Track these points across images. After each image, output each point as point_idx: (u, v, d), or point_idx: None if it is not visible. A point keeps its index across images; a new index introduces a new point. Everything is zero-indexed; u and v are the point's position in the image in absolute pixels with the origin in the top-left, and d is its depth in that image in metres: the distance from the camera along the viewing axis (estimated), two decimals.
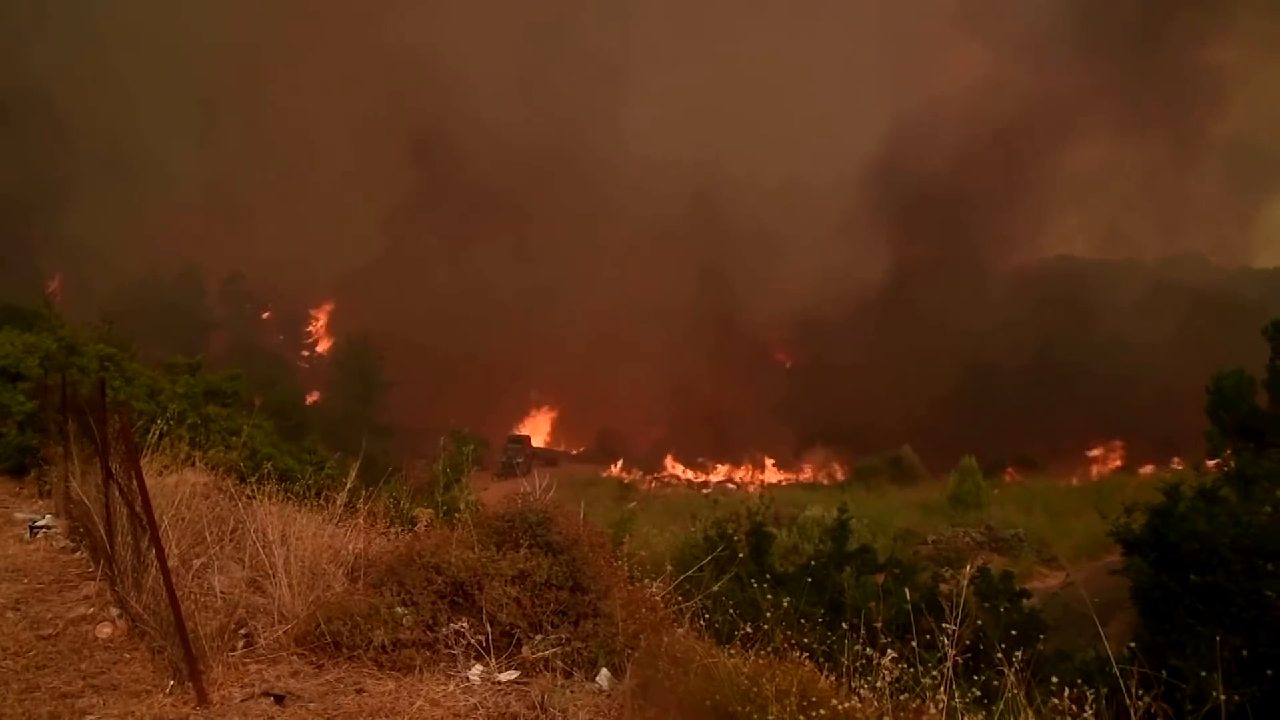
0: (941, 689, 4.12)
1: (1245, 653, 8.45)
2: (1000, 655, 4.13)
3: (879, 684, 4.25)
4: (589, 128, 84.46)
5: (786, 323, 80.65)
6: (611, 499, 37.51)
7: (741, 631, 5.16)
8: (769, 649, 4.89)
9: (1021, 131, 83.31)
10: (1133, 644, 6.10)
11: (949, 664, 4.16)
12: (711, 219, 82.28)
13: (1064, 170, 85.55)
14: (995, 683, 4.13)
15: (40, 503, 11.44)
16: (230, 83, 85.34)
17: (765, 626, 5.06)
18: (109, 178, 79.21)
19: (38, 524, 9.94)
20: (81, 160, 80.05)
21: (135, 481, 5.66)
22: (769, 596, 5.28)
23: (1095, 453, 62.52)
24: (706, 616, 5.87)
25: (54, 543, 9.29)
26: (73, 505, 9.58)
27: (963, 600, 5.07)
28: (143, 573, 6.22)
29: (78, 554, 8.72)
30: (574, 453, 73.29)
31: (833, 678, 4.64)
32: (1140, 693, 3.93)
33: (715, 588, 6.40)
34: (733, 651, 4.85)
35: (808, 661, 4.81)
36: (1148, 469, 49.67)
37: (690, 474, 67.49)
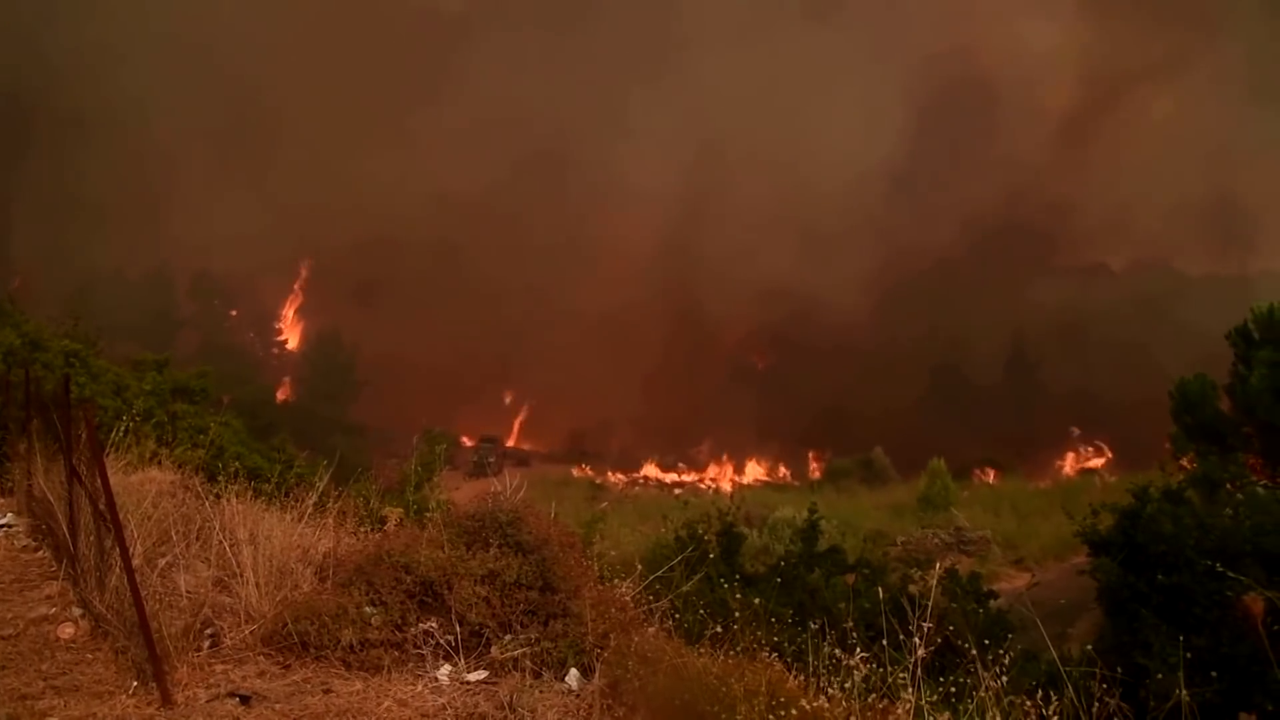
0: (909, 688, 4.15)
1: (1205, 652, 8.59)
2: (970, 654, 4.16)
3: (848, 684, 4.27)
4: (573, 135, 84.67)
5: (759, 325, 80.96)
6: (583, 499, 37.44)
7: (711, 631, 5.17)
8: (738, 649, 4.90)
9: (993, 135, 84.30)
10: (1089, 645, 6.18)
11: (916, 663, 4.19)
12: (686, 222, 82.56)
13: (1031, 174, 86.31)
14: (964, 681, 4.16)
15: (1, 501, 11.25)
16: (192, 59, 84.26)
17: (735, 626, 5.07)
18: (76, 172, 78.16)
19: (5, 523, 9.79)
20: (51, 155, 78.96)
21: (100, 479, 5.58)
22: (739, 596, 5.28)
23: (1066, 457, 63.15)
24: (676, 616, 5.87)
25: (15, 541, 9.14)
26: (35, 503, 9.43)
27: (931, 600, 5.10)
28: (106, 572, 6.14)
29: (40, 553, 8.58)
30: (545, 453, 73.08)
31: (802, 678, 4.66)
32: (1103, 690, 3.98)
33: (685, 588, 6.41)
34: (702, 651, 4.86)
35: (777, 661, 4.83)
36: (1105, 469, 50.48)
37: (662, 475, 67.50)
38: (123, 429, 10.12)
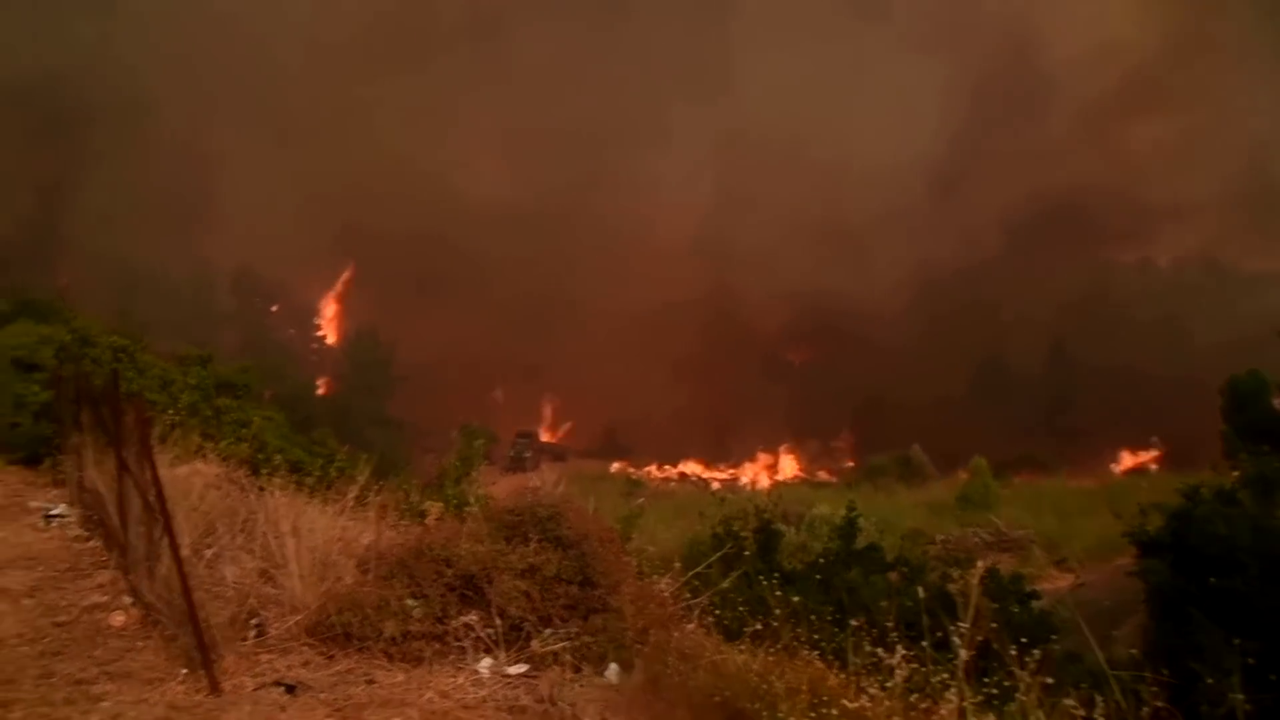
0: (953, 689, 4.10)
1: (1260, 658, 8.40)
2: (1013, 655, 4.10)
3: (889, 683, 4.23)
4: (611, 133, 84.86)
5: (796, 321, 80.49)
6: (619, 495, 37.48)
7: (751, 628, 5.15)
8: (778, 646, 4.88)
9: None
10: (1134, 650, 6.07)
11: (960, 664, 4.14)
12: (723, 219, 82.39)
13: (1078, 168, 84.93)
14: (1007, 684, 4.11)
15: (55, 492, 11.50)
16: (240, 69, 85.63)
17: (774, 624, 5.04)
18: (120, 170, 79.65)
19: (52, 513, 10.01)
20: (95, 153, 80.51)
21: (149, 472, 5.68)
22: (778, 594, 5.25)
23: (1111, 456, 61.96)
24: (715, 613, 5.86)
25: (68, 531, 9.35)
26: (86, 495, 9.64)
27: (973, 600, 5.04)
28: (156, 562, 6.25)
29: (91, 543, 8.77)
30: (581, 448, 73.28)
31: (842, 676, 4.63)
32: (1152, 694, 3.92)
33: (724, 584, 6.39)
34: (742, 648, 4.84)
35: (817, 660, 4.80)
36: (1153, 469, 49.55)
37: (698, 471, 67.38)
38: (169, 423, 10.27)
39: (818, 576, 10.32)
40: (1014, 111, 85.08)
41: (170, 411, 10.85)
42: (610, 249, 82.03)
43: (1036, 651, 4.12)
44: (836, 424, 71.79)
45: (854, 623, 5.01)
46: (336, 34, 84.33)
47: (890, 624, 4.50)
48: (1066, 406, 67.09)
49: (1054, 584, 20.77)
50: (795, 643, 4.85)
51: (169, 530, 5.42)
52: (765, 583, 5.87)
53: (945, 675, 4.10)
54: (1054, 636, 10.41)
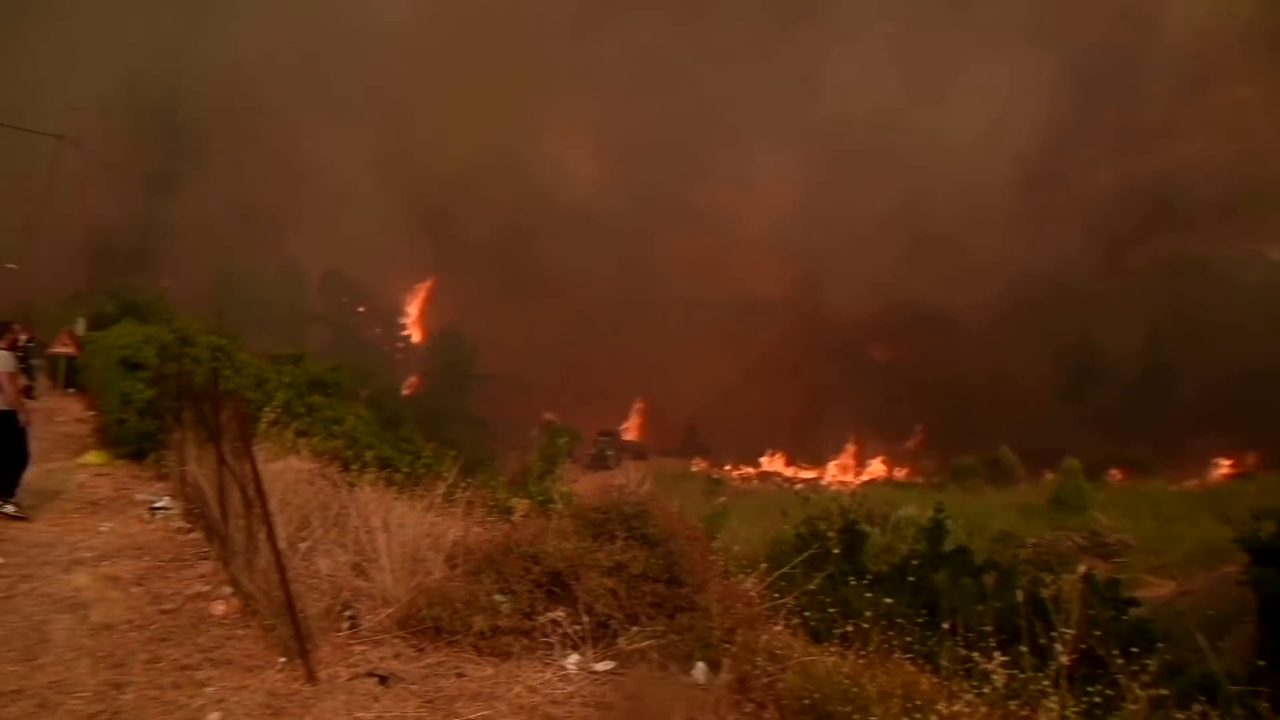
0: (1053, 697, 3.98)
1: None
2: (1117, 663, 3.95)
3: (986, 689, 4.12)
4: (696, 129, 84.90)
5: (881, 318, 79.05)
6: (700, 493, 37.38)
7: (841, 630, 5.07)
8: (869, 649, 4.80)
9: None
10: (1260, 661, 5.79)
11: (1059, 671, 4.01)
12: (807, 214, 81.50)
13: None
14: (1110, 693, 3.96)
15: (158, 485, 11.97)
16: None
17: (865, 626, 4.96)
18: (222, 176, 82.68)
19: (157, 505, 10.43)
20: (200, 159, 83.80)
21: (249, 467, 5.86)
22: (868, 595, 5.17)
23: (1212, 459, 59.31)
24: (803, 614, 5.79)
25: (171, 523, 9.73)
26: (188, 488, 10.01)
27: (1072, 606, 4.89)
28: (255, 554, 6.45)
29: (193, 534, 9.10)
30: (662, 447, 73.32)
31: (935, 680, 4.53)
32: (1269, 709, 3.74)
33: (812, 585, 6.32)
34: (832, 650, 4.77)
35: (908, 663, 4.71)
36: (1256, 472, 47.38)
37: (780, 470, 66.84)
38: (265, 420, 10.59)
39: (911, 579, 10.07)
40: (1108, 99, 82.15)
41: (266, 409, 11.17)
42: (694, 247, 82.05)
43: (1149, 661, 3.95)
44: (921, 423, 70.38)
45: (946, 626, 4.90)
46: (429, 36, 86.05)
47: (987, 628, 4.38)
48: (1162, 406, 64.51)
49: (1153, 591, 20.03)
50: (887, 645, 4.77)
51: (268, 524, 5.58)
52: (855, 583, 5.78)
53: (1046, 683, 3.97)
54: (1158, 645, 10.03)
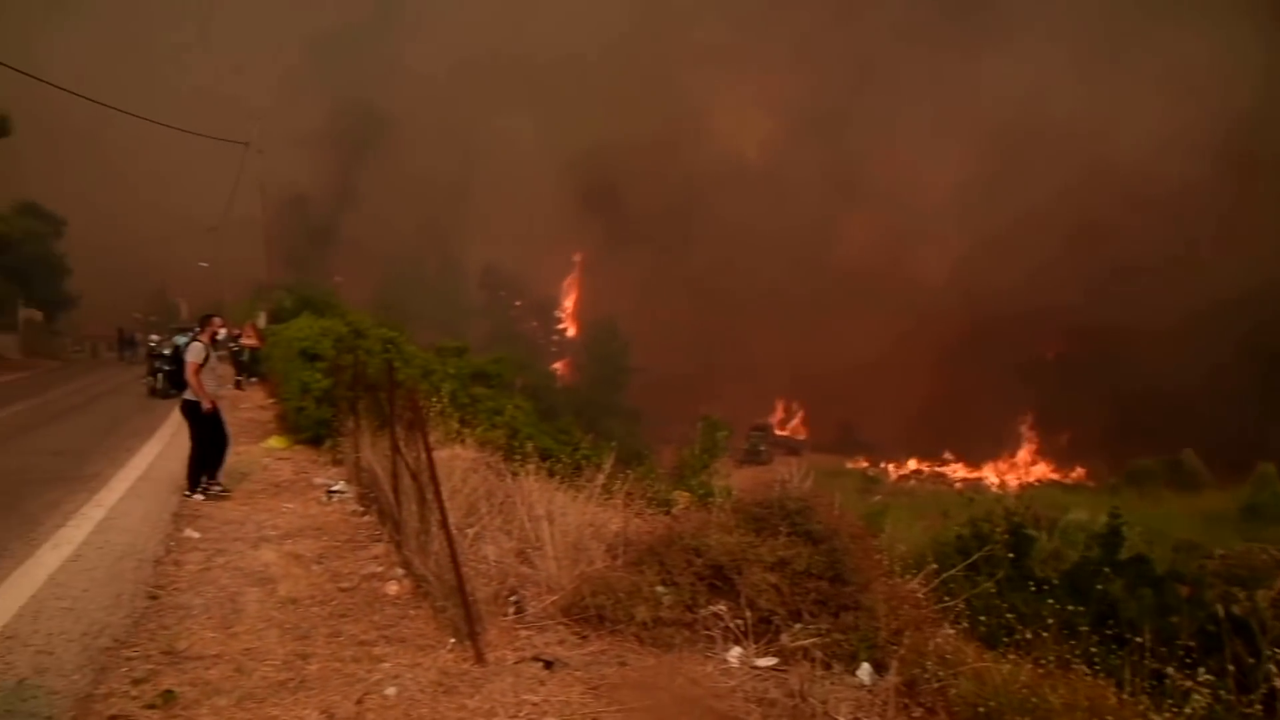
0: None
1: None
2: None
3: (1187, 709, 3.84)
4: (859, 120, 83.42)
5: (1049, 311, 75.18)
6: (855, 491, 36.65)
7: (1019, 637, 4.84)
8: (1050, 659, 4.56)
9: None
10: None
11: (1272, 694, 3.69)
12: (973, 202, 78.69)
13: None
14: None
15: (334, 470, 12.66)
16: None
17: (1044, 634, 4.72)
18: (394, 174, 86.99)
19: (333, 489, 11.03)
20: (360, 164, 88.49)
21: (423, 454, 6.09)
22: (1050, 601, 4.91)
23: None
24: (981, 619, 5.56)
25: (346, 506, 10.26)
26: (362, 473, 10.52)
27: (1274, 624, 4.51)
28: (427, 538, 6.71)
29: (366, 517, 9.56)
30: (815, 442, 72.25)
31: (1123, 696, 4.26)
32: None
33: (989, 587, 6.06)
34: (1010, 657, 4.56)
35: (1089, 676, 4.45)
36: None
37: (940, 468, 64.71)
38: (434, 409, 11.01)
39: (1099, 586, 9.55)
40: None
41: (434, 399, 11.62)
42: (852, 240, 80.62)
43: None
44: (1093, 423, 66.56)
45: (1136, 639, 4.60)
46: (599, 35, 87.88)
47: (1181, 643, 4.08)
48: None
49: None
50: (1069, 656, 4.51)
51: (441, 509, 5.79)
52: (1033, 588, 5.51)
53: (1258, 706, 3.67)
54: None
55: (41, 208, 61.86)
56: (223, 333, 11.04)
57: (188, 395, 10.52)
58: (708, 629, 5.61)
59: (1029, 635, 4.70)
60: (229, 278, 53.67)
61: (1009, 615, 5.20)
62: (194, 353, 10.51)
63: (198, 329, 11.17)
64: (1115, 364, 68.82)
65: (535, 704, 4.86)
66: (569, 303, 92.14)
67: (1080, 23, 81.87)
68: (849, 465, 57.15)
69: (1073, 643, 4.61)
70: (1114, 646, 5.15)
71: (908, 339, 73.35)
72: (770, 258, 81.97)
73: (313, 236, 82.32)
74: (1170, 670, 4.06)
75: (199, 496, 10.34)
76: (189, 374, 10.41)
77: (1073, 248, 73.26)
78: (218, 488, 10.56)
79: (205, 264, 60.63)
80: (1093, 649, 4.64)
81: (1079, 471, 60.81)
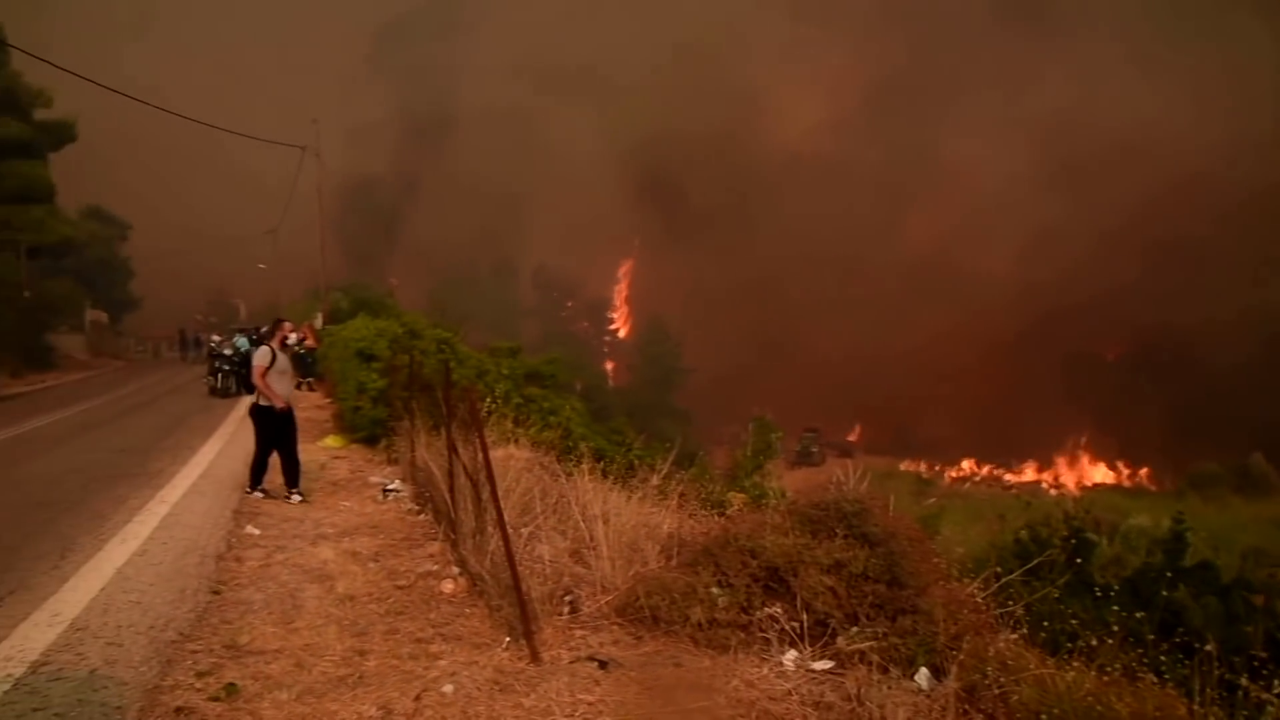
0: None
1: None
2: None
3: None
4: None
5: (1110, 311, 73.53)
6: (909, 494, 36.16)
7: (1081, 643, 4.72)
8: (1115, 667, 4.44)
9: None
10: None
11: None
12: (1031, 201, 77.40)
13: None
14: None
15: (389, 469, 12.82)
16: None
17: (1109, 641, 4.60)
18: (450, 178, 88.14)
19: (389, 488, 11.16)
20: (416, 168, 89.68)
21: (479, 454, 6.14)
22: (1115, 608, 4.79)
23: None
24: (1044, 624, 5.44)
25: (402, 504, 10.39)
26: (418, 472, 10.64)
27: None
28: (482, 536, 6.76)
29: (422, 516, 9.67)
30: (867, 444, 71.47)
31: (1194, 707, 4.14)
32: None
33: (1051, 592, 5.93)
34: (1075, 664, 4.45)
35: (1157, 686, 4.33)
36: None
37: (995, 471, 63.55)
38: (490, 410, 11.10)
39: (1164, 593, 9.32)
40: None
41: (488, 399, 11.71)
42: (908, 239, 79.77)
43: None
44: (1154, 427, 64.91)
45: (1205, 647, 4.47)
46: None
47: (1262, 653, 3.95)
48: None
49: None
50: (1136, 665, 4.39)
51: (497, 509, 5.82)
52: (1099, 594, 5.38)
53: None
54: None
55: (107, 211, 63.66)
56: (293, 337, 11.15)
57: (259, 401, 10.54)
58: (763, 631, 5.56)
59: (1094, 642, 4.58)
60: (286, 279, 54.80)
61: (1073, 622, 5.07)
62: (260, 356, 10.65)
63: (261, 330, 11.37)
64: (1178, 366, 67.07)
65: (591, 703, 4.87)
66: (620, 302, 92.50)
67: (1145, 16, 79.98)
68: (902, 467, 56.38)
69: (1139, 651, 4.49)
70: (1181, 656, 5.01)
71: (963, 339, 72.24)
72: (824, 256, 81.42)
73: (371, 235, 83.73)
74: (1244, 681, 3.92)
75: (259, 494, 10.50)
76: (255, 377, 10.51)
77: (1136, 248, 71.54)
78: (298, 497, 10.53)
79: (263, 266, 61.87)
80: (1162, 657, 4.51)
81: (1139, 474, 59.32)
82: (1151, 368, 70.07)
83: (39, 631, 5.66)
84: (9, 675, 4.95)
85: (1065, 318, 73.56)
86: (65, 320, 47.80)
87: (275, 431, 10.53)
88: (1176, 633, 6.69)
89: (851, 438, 73.10)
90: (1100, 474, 63.23)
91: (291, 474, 10.68)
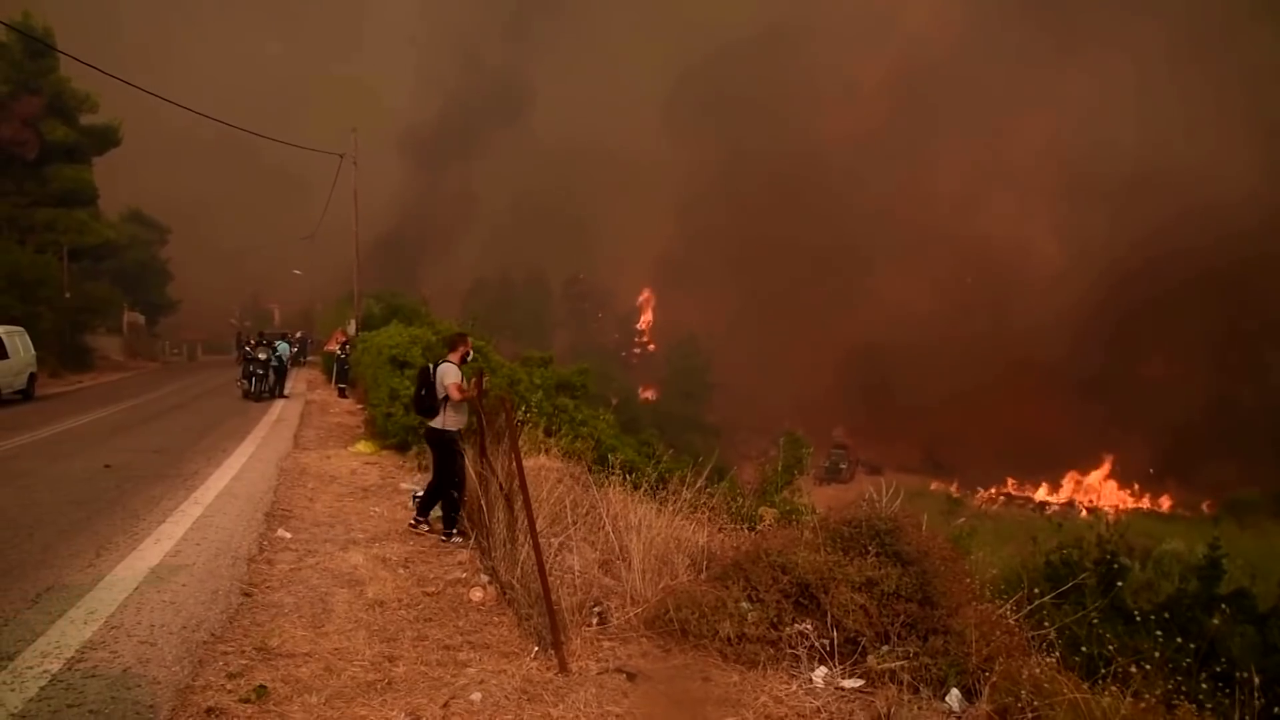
0: None
1: None
2: None
3: None
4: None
5: (1144, 327, 72.42)
6: (939, 512, 35.78)
7: (1116, 669, 4.66)
8: (1152, 694, 4.37)
9: None
10: None
11: None
12: (1062, 213, 76.70)
13: None
14: None
15: (419, 476, 12.86)
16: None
17: (1148, 667, 4.53)
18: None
19: (419, 494, 11.18)
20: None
21: (512, 463, 6.16)
22: (1157, 634, 4.71)
23: None
24: (1079, 648, 5.37)
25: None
26: None
27: None
28: (513, 545, 6.78)
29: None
30: (896, 463, 70.80)
31: None
32: None
33: (1089, 616, 5.85)
34: (1111, 690, 4.39)
35: (1195, 717, 4.26)
36: None
37: (1026, 492, 62.75)
38: (523, 420, 11.12)
39: (1196, 620, 9.15)
40: None
41: (522, 409, 11.74)
42: (940, 261, 79.27)
43: None
44: (1195, 450, 63.68)
45: (1243, 676, 4.39)
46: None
47: None
48: None
49: None
50: (1172, 692, 4.32)
51: (530, 520, 5.83)
52: (1137, 618, 5.30)
53: None
54: None
55: (147, 215, 64.71)
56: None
57: (448, 426, 8.81)
58: (793, 647, 5.53)
59: (1132, 669, 4.51)
60: (321, 285, 55.39)
61: (1110, 647, 4.99)
62: (449, 373, 8.74)
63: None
64: (1212, 390, 65.98)
65: (618, 715, 4.86)
66: (648, 316, 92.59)
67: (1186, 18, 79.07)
68: (933, 486, 55.79)
69: (1178, 679, 4.41)
70: (1220, 685, 4.92)
71: (999, 359, 71.45)
72: (854, 271, 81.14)
73: (411, 243, 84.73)
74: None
75: (425, 527, 9.29)
76: (453, 394, 8.60)
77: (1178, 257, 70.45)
78: (425, 527, 9.27)
79: (299, 272, 62.61)
80: (1202, 685, 4.43)
81: (1170, 499, 58.34)
82: (1183, 393, 68.92)
83: (75, 628, 5.75)
84: (46, 671, 5.02)
85: (1094, 337, 72.72)
86: (103, 322, 48.55)
87: (457, 460, 8.90)
88: (1219, 661, 6.57)
89: (884, 456, 72.49)
90: (1131, 497, 62.21)
91: (452, 510, 9.05)
